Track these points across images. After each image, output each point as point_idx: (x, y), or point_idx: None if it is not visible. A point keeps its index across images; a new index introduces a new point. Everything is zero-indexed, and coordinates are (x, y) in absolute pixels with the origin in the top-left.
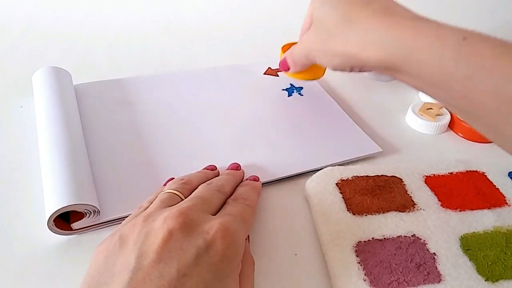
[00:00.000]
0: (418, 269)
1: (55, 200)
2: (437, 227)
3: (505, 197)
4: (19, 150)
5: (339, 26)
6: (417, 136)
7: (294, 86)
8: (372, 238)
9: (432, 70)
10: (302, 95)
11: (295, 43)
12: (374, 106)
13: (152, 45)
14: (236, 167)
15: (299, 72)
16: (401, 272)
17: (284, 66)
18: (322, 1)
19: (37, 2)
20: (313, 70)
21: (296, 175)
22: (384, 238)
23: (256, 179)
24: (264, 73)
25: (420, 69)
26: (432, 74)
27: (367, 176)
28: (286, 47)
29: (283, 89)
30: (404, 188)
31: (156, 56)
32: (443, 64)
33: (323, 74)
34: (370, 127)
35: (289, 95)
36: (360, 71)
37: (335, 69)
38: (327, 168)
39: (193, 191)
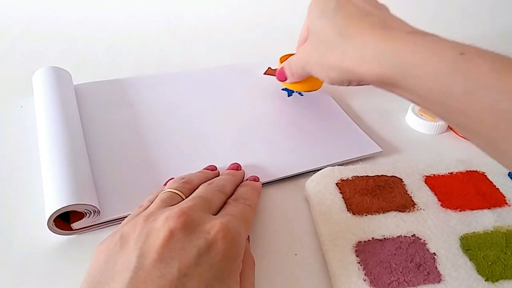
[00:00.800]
0: (418, 269)
1: (55, 200)
2: (437, 227)
3: (505, 197)
4: (19, 150)
5: (337, 39)
6: (417, 136)
7: None
8: (372, 238)
9: (430, 85)
10: (302, 95)
11: (293, 54)
12: (374, 106)
13: (152, 45)
14: (237, 167)
15: (296, 83)
16: (401, 272)
17: (282, 76)
18: (319, 14)
19: (37, 2)
20: (310, 81)
21: (296, 175)
22: (384, 238)
23: (256, 179)
24: (264, 73)
25: (418, 84)
26: (430, 89)
27: (367, 176)
28: (284, 58)
29: (283, 89)
30: (404, 188)
31: (156, 56)
32: (441, 79)
33: (321, 86)
34: (370, 127)
35: (289, 95)
36: (357, 85)
37: (332, 83)
38: (327, 168)
39: (193, 191)
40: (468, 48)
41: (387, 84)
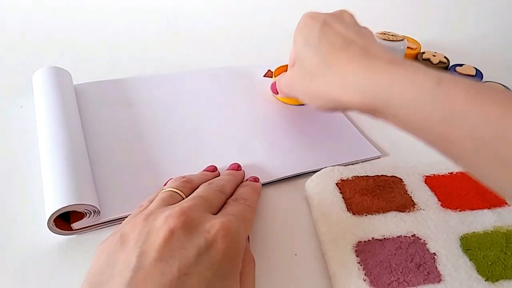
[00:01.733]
0: (418, 269)
1: (55, 200)
2: (437, 227)
3: None
4: (19, 150)
5: (320, 70)
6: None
7: None
8: (372, 238)
9: (410, 114)
10: None
11: (286, 66)
12: None
13: (152, 45)
14: (237, 167)
15: (289, 98)
16: (401, 272)
17: (274, 90)
18: (304, 42)
19: (37, 2)
20: None
21: (296, 175)
22: (384, 238)
23: (256, 179)
24: (264, 76)
25: (399, 113)
26: (411, 117)
27: (367, 176)
28: (278, 70)
29: None
30: (404, 188)
31: (156, 56)
32: (420, 108)
33: None
34: (370, 126)
35: None
36: (343, 111)
37: (317, 109)
38: (327, 168)
39: (194, 190)
40: (444, 77)
41: (371, 111)
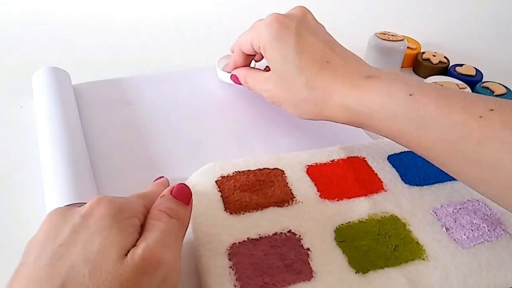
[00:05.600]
0: (290, 268)
1: (56, 200)
2: (314, 220)
3: (382, 182)
4: (19, 150)
5: (306, 92)
6: None
7: None
8: (248, 238)
9: (389, 125)
10: None
11: None
12: None
13: (151, 44)
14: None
15: None
16: (272, 274)
17: (236, 81)
18: (282, 57)
19: (37, 2)
20: None
21: None
22: (260, 237)
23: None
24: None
25: (380, 125)
26: (390, 128)
27: (249, 170)
28: None
29: None
30: (285, 181)
31: (156, 56)
32: (396, 120)
33: None
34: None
35: None
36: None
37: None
38: (208, 164)
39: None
40: (416, 88)
41: (357, 124)
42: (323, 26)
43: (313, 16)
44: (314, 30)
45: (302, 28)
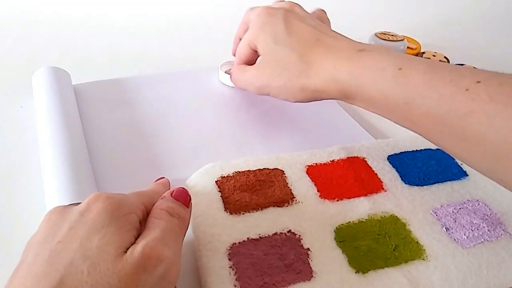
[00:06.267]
0: (290, 268)
1: (56, 200)
2: (314, 220)
3: (382, 182)
4: (19, 150)
5: (300, 67)
6: None
7: None
8: (248, 239)
9: (379, 98)
10: None
11: None
12: None
13: (152, 44)
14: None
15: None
16: (272, 274)
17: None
18: (273, 40)
19: (37, 2)
20: None
21: None
22: (260, 237)
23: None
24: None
25: (370, 97)
26: (380, 102)
27: (249, 170)
28: None
29: None
30: (285, 181)
31: (156, 55)
32: (386, 93)
33: None
34: (370, 124)
35: None
36: (321, 99)
37: (296, 101)
38: (208, 165)
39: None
40: (405, 62)
41: (347, 97)
42: (317, 13)
43: (302, 8)
44: (302, 17)
45: (289, 15)
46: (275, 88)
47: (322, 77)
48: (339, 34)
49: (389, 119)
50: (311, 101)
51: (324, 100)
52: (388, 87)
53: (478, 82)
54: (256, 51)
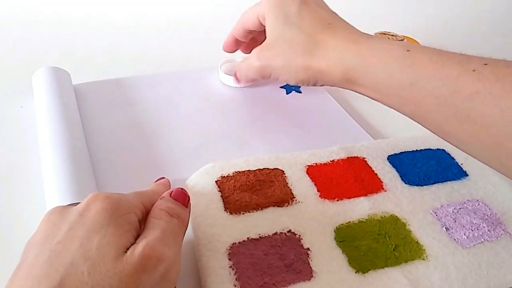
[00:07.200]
0: (290, 268)
1: (56, 200)
2: (314, 220)
3: (382, 182)
4: (19, 150)
5: (308, 47)
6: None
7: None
8: (248, 238)
9: (384, 79)
10: (300, 93)
11: None
12: (375, 104)
13: (152, 44)
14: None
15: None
16: (272, 273)
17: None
18: (283, 20)
19: (37, 2)
20: None
21: None
22: (260, 237)
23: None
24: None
25: (375, 79)
26: (384, 83)
27: (249, 170)
28: None
29: (281, 87)
30: (285, 181)
31: (156, 55)
32: (392, 73)
33: None
34: (370, 125)
35: (287, 93)
36: (321, 85)
37: (297, 83)
38: (207, 165)
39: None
40: (413, 46)
41: (350, 82)
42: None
43: None
44: (318, 3)
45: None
46: (277, 68)
47: (328, 57)
48: (352, 26)
49: (390, 105)
50: (311, 84)
51: (324, 100)
52: (395, 67)
53: (485, 64)
54: (258, 26)
